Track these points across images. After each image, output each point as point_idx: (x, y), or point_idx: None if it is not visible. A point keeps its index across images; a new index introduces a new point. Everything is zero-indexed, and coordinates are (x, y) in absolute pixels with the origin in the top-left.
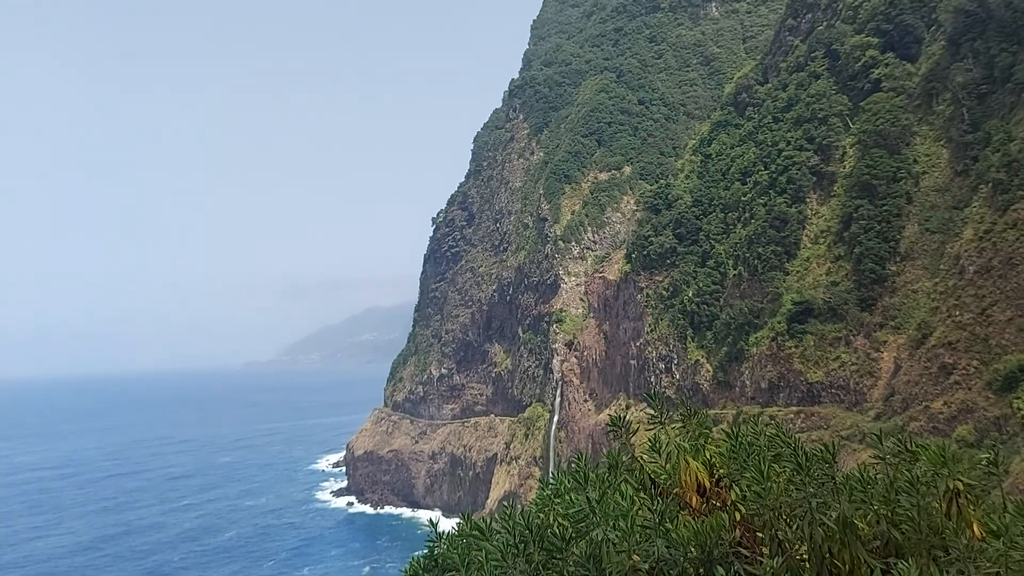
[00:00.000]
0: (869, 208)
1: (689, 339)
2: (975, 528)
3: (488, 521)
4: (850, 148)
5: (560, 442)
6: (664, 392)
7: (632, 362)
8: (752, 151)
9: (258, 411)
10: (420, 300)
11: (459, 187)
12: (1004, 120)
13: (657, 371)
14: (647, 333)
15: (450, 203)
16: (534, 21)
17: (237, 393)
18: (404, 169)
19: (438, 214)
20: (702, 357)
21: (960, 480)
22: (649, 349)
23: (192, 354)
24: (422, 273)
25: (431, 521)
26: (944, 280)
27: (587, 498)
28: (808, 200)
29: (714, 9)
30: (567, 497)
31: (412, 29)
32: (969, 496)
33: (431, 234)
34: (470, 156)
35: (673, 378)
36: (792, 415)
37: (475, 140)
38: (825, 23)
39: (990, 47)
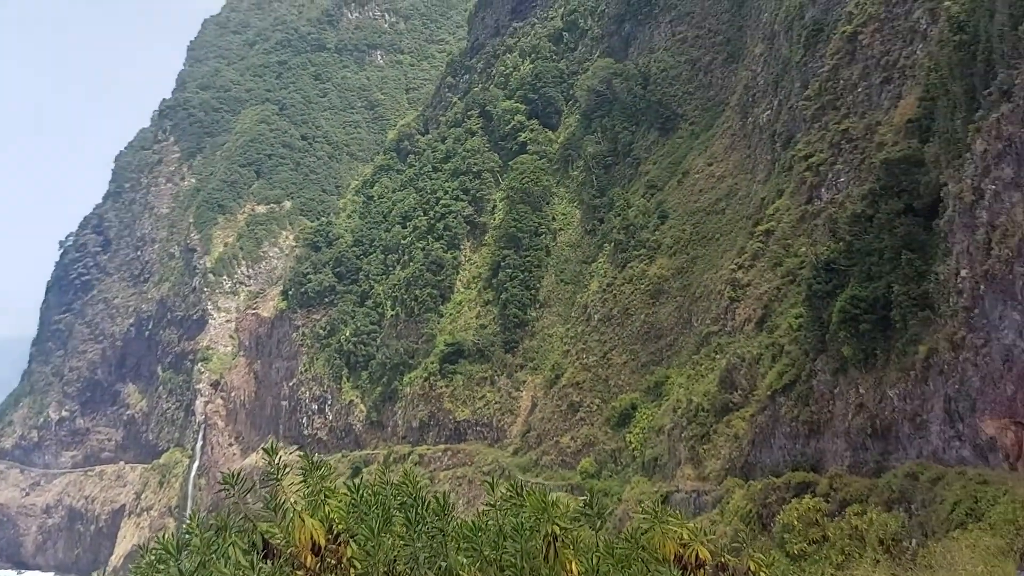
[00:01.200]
0: (515, 258)
1: (344, 379)
2: (572, 567)
3: None
4: (500, 202)
5: (200, 490)
6: (316, 434)
7: (284, 403)
8: (413, 196)
9: None
10: (40, 333)
11: (94, 209)
12: (624, 189)
13: (310, 412)
14: (301, 373)
15: (82, 226)
16: (191, 42)
17: None
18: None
19: (67, 237)
20: (356, 397)
21: (557, 524)
22: (302, 389)
23: None
24: (43, 303)
25: None
26: (574, 326)
27: (179, 571)
28: (463, 247)
29: (379, 57)
30: (162, 568)
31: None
32: (566, 539)
33: (57, 259)
34: (110, 176)
35: (326, 419)
36: (440, 452)
37: (116, 160)
38: (480, 85)
39: (615, 124)
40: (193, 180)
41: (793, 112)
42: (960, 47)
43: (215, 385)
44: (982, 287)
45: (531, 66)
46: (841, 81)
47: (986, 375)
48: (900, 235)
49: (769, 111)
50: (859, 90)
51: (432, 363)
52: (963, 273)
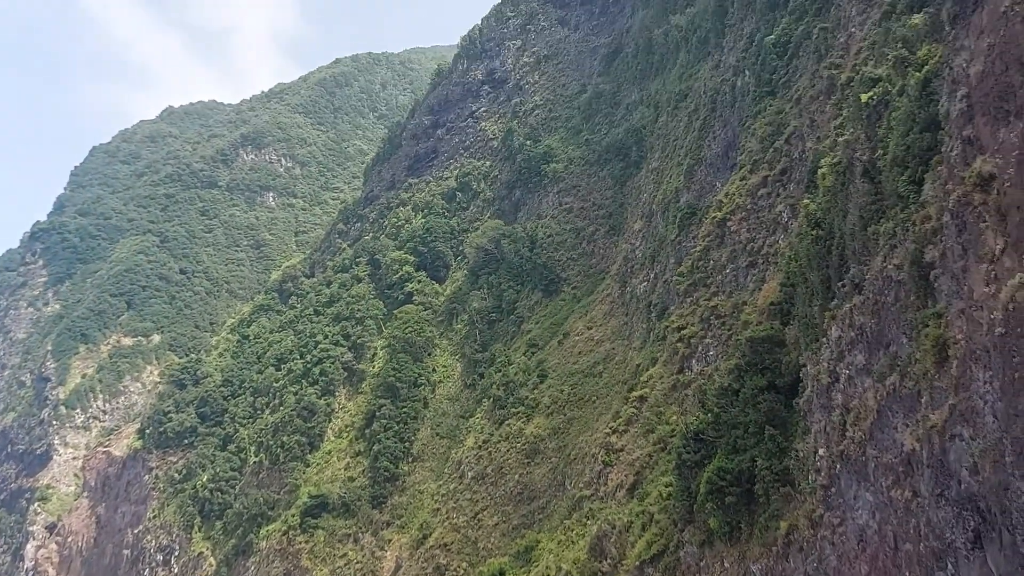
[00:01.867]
0: (391, 408)
1: (196, 528)
2: None
3: None
4: (380, 350)
5: None
6: None
7: (126, 551)
8: (291, 339)
9: None
10: None
11: None
12: (506, 345)
13: (153, 563)
14: (149, 519)
15: None
16: (76, 167)
17: None
18: None
19: None
20: (207, 549)
21: None
22: (148, 537)
23: None
24: None
25: None
26: (447, 483)
27: None
28: (338, 394)
29: (271, 199)
30: None
31: None
32: None
33: None
34: None
35: (171, 572)
36: None
37: None
38: (372, 234)
39: (501, 283)
40: (57, 306)
41: (667, 286)
42: (817, 241)
43: (51, 528)
44: (838, 467)
45: (423, 220)
46: (711, 261)
47: (842, 554)
48: (763, 410)
49: (646, 283)
50: (727, 271)
51: (293, 516)
52: (820, 452)
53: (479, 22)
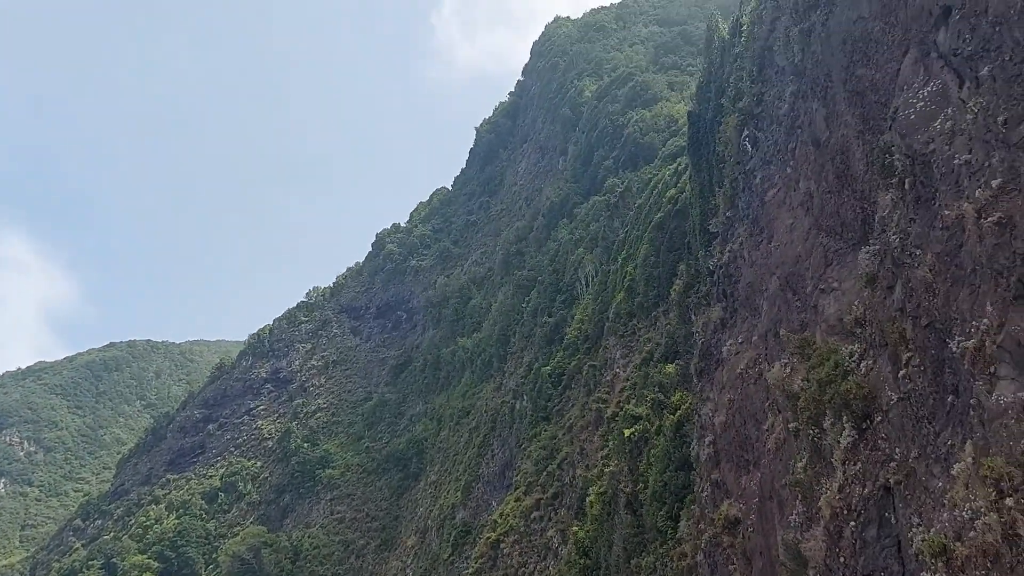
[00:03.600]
0: None
1: None
2: None
3: None
4: None
5: None
6: None
7: None
8: None
9: None
10: None
11: None
12: None
13: None
14: None
15: None
16: None
17: None
18: None
19: None
20: None
21: None
22: None
23: None
24: None
25: None
26: None
27: None
28: None
29: (1, 486)
30: None
31: None
32: None
33: None
34: None
35: None
36: None
37: None
38: (113, 534)
39: None
40: None
41: None
42: (584, 571)
43: None
44: None
45: (176, 521)
46: None
47: None
48: None
49: None
50: None
51: None
52: None
53: (271, 322)
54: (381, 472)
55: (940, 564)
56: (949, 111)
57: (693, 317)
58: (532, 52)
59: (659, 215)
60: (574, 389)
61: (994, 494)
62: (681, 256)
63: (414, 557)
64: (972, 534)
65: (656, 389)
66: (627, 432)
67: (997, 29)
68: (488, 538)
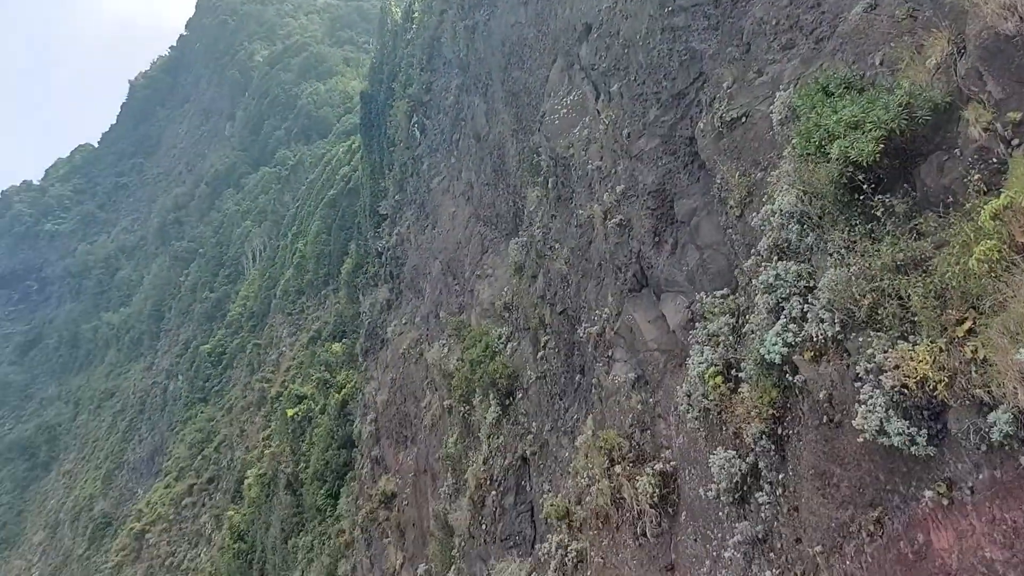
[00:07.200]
0: None
1: None
2: None
3: None
4: None
5: None
6: None
7: None
8: None
9: None
10: None
11: None
12: None
13: None
14: None
15: None
16: None
17: None
18: None
19: None
20: None
21: None
22: None
23: None
24: None
25: None
26: None
27: None
28: None
29: None
30: None
31: None
32: None
33: None
34: None
35: None
36: None
37: None
38: None
39: None
40: None
41: None
42: (239, 555)
43: None
44: None
45: None
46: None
47: None
48: None
49: None
50: None
51: None
52: None
53: None
54: (3, 462)
55: (563, 526)
56: (587, 120)
57: (361, 297)
58: (198, 5)
59: (332, 192)
60: (236, 368)
61: (606, 463)
62: (352, 235)
63: (42, 554)
64: (588, 498)
65: (323, 368)
66: (290, 412)
67: (626, 51)
68: (132, 529)
